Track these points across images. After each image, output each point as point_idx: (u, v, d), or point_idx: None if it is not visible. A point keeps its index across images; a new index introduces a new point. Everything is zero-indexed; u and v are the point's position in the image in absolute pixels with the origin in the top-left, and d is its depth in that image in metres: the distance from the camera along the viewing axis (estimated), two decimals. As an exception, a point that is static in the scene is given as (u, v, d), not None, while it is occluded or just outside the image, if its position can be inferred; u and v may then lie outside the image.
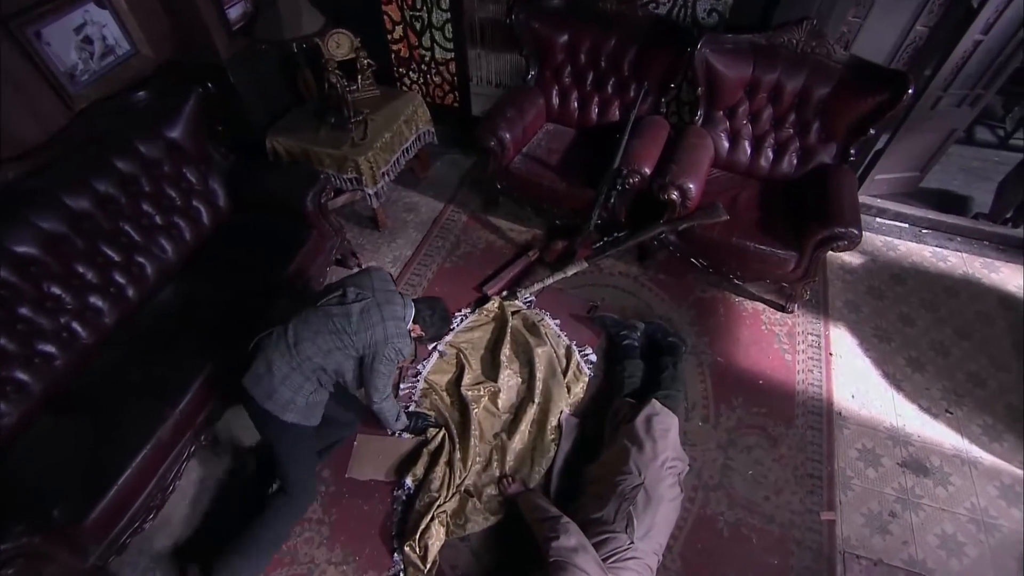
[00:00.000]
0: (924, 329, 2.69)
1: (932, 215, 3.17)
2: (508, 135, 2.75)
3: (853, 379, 2.49)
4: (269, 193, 2.55)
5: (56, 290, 1.94)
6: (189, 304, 2.24)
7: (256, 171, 2.65)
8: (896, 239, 3.13)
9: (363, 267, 1.93)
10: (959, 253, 3.08)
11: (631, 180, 2.53)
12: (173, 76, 2.37)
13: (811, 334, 2.64)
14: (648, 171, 2.53)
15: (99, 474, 1.73)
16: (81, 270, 2.02)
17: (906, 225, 3.21)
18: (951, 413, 2.38)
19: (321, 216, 2.57)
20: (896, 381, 2.49)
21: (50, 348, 1.91)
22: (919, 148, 3.06)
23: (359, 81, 3.00)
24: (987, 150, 3.83)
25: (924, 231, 3.18)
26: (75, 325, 1.99)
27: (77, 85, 2.14)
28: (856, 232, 2.26)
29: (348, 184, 2.82)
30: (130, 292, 2.19)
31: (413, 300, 1.94)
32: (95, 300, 2.06)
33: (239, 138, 2.78)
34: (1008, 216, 3.18)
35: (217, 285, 2.29)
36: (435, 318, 1.98)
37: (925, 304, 2.80)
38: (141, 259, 2.25)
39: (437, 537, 1.95)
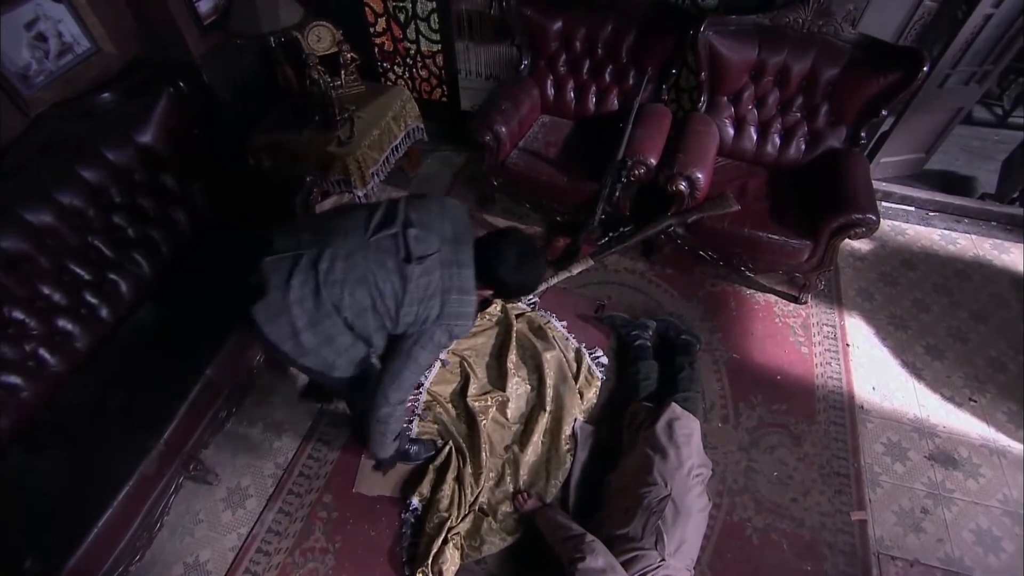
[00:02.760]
0: (940, 315, 2.61)
1: (939, 197, 3.10)
2: (504, 129, 2.61)
3: (872, 370, 2.40)
4: (252, 198, 2.38)
5: (18, 315, 1.76)
6: (170, 323, 2.08)
7: (238, 176, 2.48)
8: (903, 223, 3.06)
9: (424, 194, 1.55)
10: (968, 235, 3.01)
11: (636, 172, 2.41)
12: (141, 75, 2.18)
13: (826, 325, 2.55)
14: (654, 161, 2.41)
15: (76, 516, 1.57)
16: (46, 291, 1.84)
17: (912, 208, 3.13)
18: (975, 401, 2.30)
19: (309, 221, 2.40)
20: (916, 370, 2.41)
21: (15, 379, 1.73)
22: (925, 129, 2.98)
23: (343, 76, 2.83)
24: (986, 129, 3.78)
25: (931, 214, 3.11)
26: (42, 352, 1.81)
27: (32, 87, 1.95)
28: (874, 218, 2.17)
29: (336, 186, 2.66)
30: (103, 313, 2.01)
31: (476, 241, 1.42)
32: (64, 323, 1.88)
33: (218, 141, 2.60)
34: (1015, 196, 3.12)
35: (200, 300, 2.12)
36: (521, 265, 1.40)
37: (938, 289, 2.73)
38: (114, 276, 2.07)
39: (452, 561, 1.82)
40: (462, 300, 1.37)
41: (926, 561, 1.90)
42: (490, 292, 1.48)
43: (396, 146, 2.88)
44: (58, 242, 1.89)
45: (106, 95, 2.07)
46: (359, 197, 2.67)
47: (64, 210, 1.90)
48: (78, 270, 1.94)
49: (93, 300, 1.98)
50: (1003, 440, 2.19)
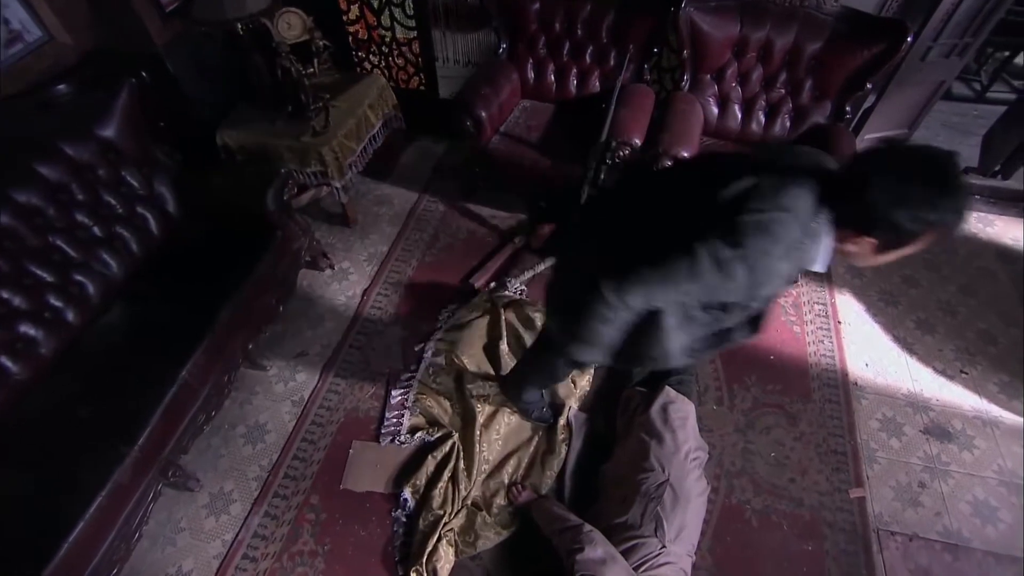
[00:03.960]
0: (929, 289, 2.60)
1: (922, 172, 3.09)
2: (484, 113, 2.54)
3: (865, 346, 2.38)
4: (224, 194, 2.28)
5: (-25, 321, 1.66)
6: (142, 324, 1.99)
7: (208, 171, 2.37)
8: (889, 199, 3.05)
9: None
10: (952, 209, 3.00)
11: (621, 152, 2.35)
12: (100, 66, 2.07)
13: (817, 303, 2.53)
14: (638, 141, 2.35)
15: (47, 531, 1.48)
16: (5, 295, 1.74)
17: (897, 184, 3.12)
18: (966, 373, 2.30)
19: (285, 215, 2.31)
20: (908, 345, 2.39)
21: (-26, 389, 1.64)
22: (908, 104, 2.96)
23: (316, 65, 2.73)
24: (965, 104, 3.78)
25: (916, 189, 3.10)
26: (3, 360, 1.71)
27: (-24, 78, 1.84)
28: (863, 192, 2.13)
29: (312, 178, 2.56)
30: (70, 316, 1.91)
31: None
32: (26, 329, 1.78)
33: (185, 135, 2.50)
34: (996, 169, 3.12)
35: (173, 300, 2.03)
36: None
37: (926, 264, 2.72)
38: (80, 277, 1.97)
39: (446, 559, 1.76)
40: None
41: (925, 535, 1.88)
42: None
43: (374, 136, 2.79)
44: (16, 243, 1.79)
45: (63, 87, 1.97)
46: (337, 189, 2.59)
47: (22, 209, 1.81)
48: (39, 272, 1.84)
49: (57, 303, 1.88)
50: (995, 411, 2.18)
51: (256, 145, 2.53)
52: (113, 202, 2.10)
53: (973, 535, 1.88)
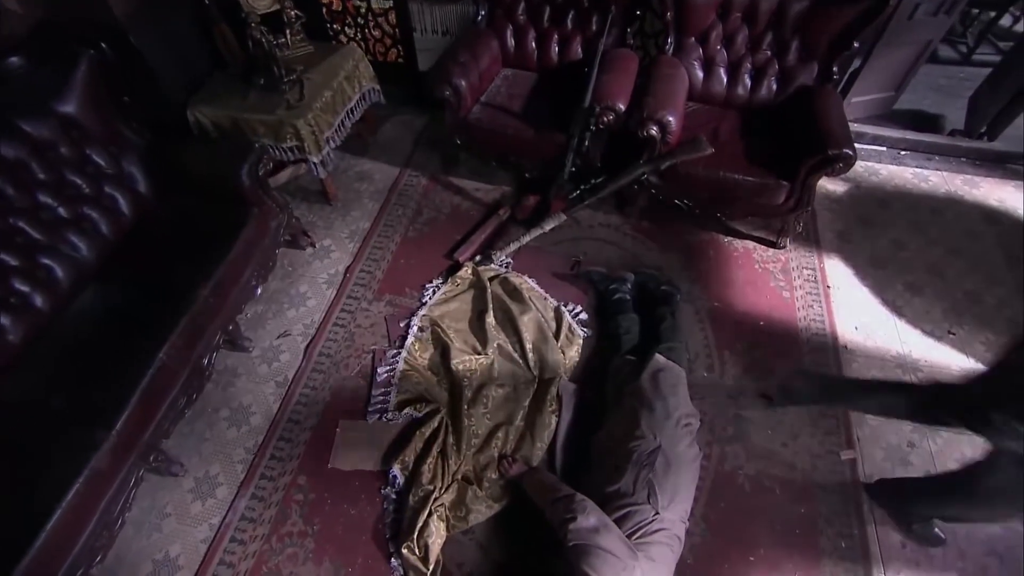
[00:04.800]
0: (917, 252, 2.59)
1: (910, 135, 3.07)
2: (463, 82, 2.46)
3: (854, 310, 2.37)
4: (198, 172, 2.20)
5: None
6: (116, 307, 1.92)
7: (179, 148, 2.28)
8: (876, 163, 3.02)
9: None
10: (939, 172, 2.99)
11: (605, 118, 2.29)
12: (54, 37, 1.95)
13: (806, 268, 2.51)
14: (622, 107, 2.29)
15: (22, 521, 1.43)
16: (-35, 281, 1.67)
17: (884, 148, 3.10)
18: (954, 334, 2.30)
19: (261, 192, 2.23)
20: (896, 307, 2.39)
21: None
22: (895, 65, 2.92)
23: (288, 36, 2.63)
24: (952, 67, 3.75)
25: (903, 153, 3.08)
26: (-32, 348, 1.64)
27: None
28: (851, 152, 2.11)
29: (289, 154, 2.48)
30: (38, 302, 1.84)
31: None
32: (-9, 316, 1.71)
33: (155, 112, 2.39)
34: (982, 131, 3.10)
35: (147, 282, 1.96)
36: None
37: (914, 226, 2.70)
38: (47, 261, 1.90)
39: (438, 534, 1.73)
40: None
41: (915, 493, 1.89)
42: None
43: (351, 109, 2.70)
44: (-26, 225, 1.71)
45: (14, 60, 1.86)
46: (315, 165, 2.50)
47: (-22, 189, 1.72)
48: (2, 255, 1.76)
49: (23, 288, 1.81)
50: (982, 369, 2.18)
51: (229, 120, 2.44)
52: (79, 182, 2.01)
53: (962, 491, 1.90)
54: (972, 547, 1.78)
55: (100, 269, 2.02)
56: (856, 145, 2.06)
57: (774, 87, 2.51)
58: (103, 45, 2.02)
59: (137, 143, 2.19)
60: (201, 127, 2.48)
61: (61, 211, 1.95)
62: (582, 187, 2.46)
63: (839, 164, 2.12)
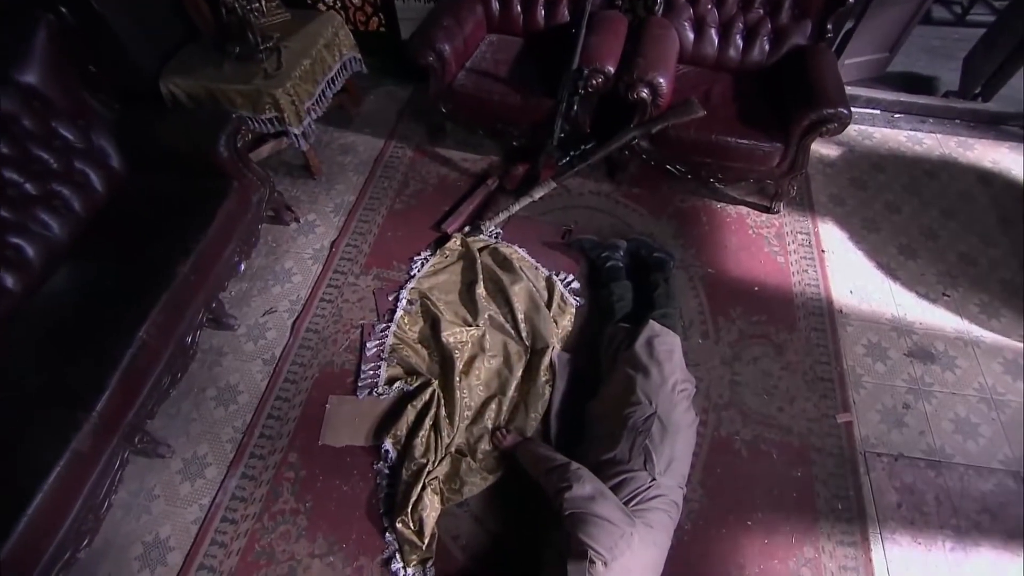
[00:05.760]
0: (911, 215, 2.57)
1: (904, 98, 3.02)
2: (447, 47, 2.37)
3: (849, 274, 2.35)
4: (173, 145, 2.10)
5: None
6: (92, 286, 1.84)
7: (153, 121, 2.18)
8: (870, 127, 2.98)
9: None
10: (933, 134, 2.95)
11: (594, 81, 2.22)
12: (10, 1, 1.85)
13: (800, 233, 2.48)
14: (611, 69, 2.22)
15: (3, 505, 1.38)
16: (-72, 261, 1.59)
17: (878, 111, 3.05)
18: (948, 296, 2.29)
19: (241, 164, 2.15)
20: (891, 270, 2.37)
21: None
22: (888, 26, 2.86)
23: (263, 2, 2.51)
24: (946, 28, 3.69)
25: (897, 115, 3.04)
26: (-65, 331, 1.57)
27: None
28: (846, 111, 2.06)
29: (268, 125, 2.39)
30: (9, 282, 1.77)
31: None
32: (-42, 295, 1.63)
33: (125, 83, 2.29)
34: (977, 92, 3.06)
35: (125, 259, 1.88)
36: None
37: (908, 189, 2.67)
38: (17, 240, 1.82)
39: (432, 507, 1.71)
40: None
41: (910, 454, 1.89)
42: None
43: (332, 79, 2.60)
44: (-65, 202, 1.62)
45: (-33, 25, 1.75)
46: (296, 136, 2.42)
47: (-63, 164, 1.63)
48: (-34, 234, 1.68)
49: (-8, 267, 1.73)
50: (976, 331, 2.18)
51: (204, 92, 2.34)
52: (46, 156, 1.92)
53: (955, 451, 1.90)
54: (965, 504, 1.78)
55: (73, 247, 1.94)
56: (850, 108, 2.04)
57: (767, 47, 2.45)
58: (63, 9, 1.91)
59: (107, 116, 2.10)
60: (175, 99, 2.38)
61: (28, 187, 1.86)
62: (571, 154, 2.40)
63: (834, 124, 2.07)
